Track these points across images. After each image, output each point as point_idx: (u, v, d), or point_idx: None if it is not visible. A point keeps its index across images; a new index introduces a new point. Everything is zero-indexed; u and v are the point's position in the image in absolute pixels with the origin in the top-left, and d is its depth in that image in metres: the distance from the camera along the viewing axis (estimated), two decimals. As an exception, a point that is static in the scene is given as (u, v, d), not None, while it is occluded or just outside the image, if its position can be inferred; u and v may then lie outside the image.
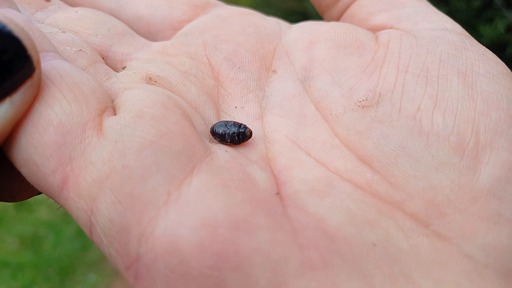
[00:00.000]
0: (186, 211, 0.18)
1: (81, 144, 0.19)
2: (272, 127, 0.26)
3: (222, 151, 0.23)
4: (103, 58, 0.29)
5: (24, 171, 0.20)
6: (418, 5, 0.30)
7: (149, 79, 0.26)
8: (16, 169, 0.21)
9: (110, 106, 0.22)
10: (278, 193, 0.21)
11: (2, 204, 1.84)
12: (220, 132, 0.24)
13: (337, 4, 0.33)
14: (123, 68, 0.28)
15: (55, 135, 0.19)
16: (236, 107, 0.27)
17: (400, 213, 0.21)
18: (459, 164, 0.21)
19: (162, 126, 0.21)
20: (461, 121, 0.22)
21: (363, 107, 0.25)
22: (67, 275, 1.60)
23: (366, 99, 0.25)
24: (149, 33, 0.32)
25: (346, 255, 0.18)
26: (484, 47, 0.26)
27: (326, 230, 0.19)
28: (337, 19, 0.34)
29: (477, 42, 0.26)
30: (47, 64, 0.21)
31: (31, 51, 0.19)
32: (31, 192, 0.25)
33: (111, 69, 0.27)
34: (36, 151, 0.19)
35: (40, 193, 0.23)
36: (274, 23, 0.33)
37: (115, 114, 0.21)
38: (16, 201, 0.26)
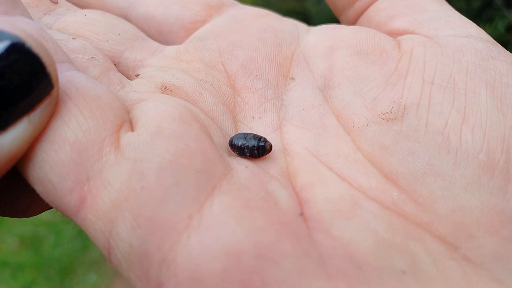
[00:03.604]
0: (208, 237, 0.18)
1: (99, 162, 0.19)
2: (291, 139, 0.25)
3: (242, 167, 0.22)
4: (114, 65, 0.28)
5: (39, 189, 0.20)
6: (439, 9, 0.29)
7: (165, 88, 0.26)
8: (28, 185, 0.20)
9: (127, 120, 0.21)
10: (301, 214, 0.20)
11: (1, 204, 1.83)
12: (239, 145, 0.24)
13: (354, 6, 0.32)
14: (137, 76, 0.28)
15: (71, 153, 0.19)
16: (253, 117, 0.27)
17: (428, 235, 0.20)
18: (489, 184, 0.20)
19: (181, 143, 0.20)
20: (491, 137, 0.21)
21: (387, 120, 0.24)
22: (67, 275, 1.59)
23: (391, 111, 0.24)
24: (160, 33, 0.32)
25: (376, 285, 0.17)
26: None
27: (354, 257, 0.18)
28: (354, 21, 0.33)
29: (504, 49, 0.25)
30: (62, 76, 0.20)
31: (49, 68, 0.19)
32: (43, 208, 0.25)
33: (124, 77, 0.27)
34: (52, 170, 0.19)
35: (51, 207, 0.22)
36: (291, 25, 0.32)
37: (132, 129, 0.21)
38: (25, 217, 0.25)
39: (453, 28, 0.27)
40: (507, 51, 0.25)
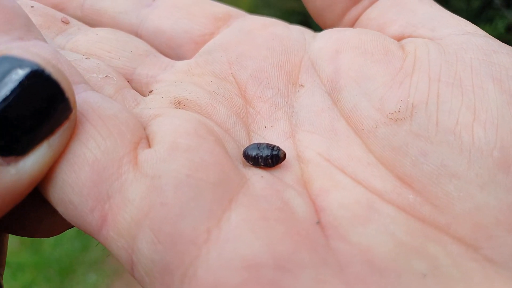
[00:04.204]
0: (227, 250, 0.18)
1: (118, 181, 0.19)
2: (304, 145, 0.25)
3: (258, 177, 0.22)
4: (128, 82, 0.28)
5: (60, 210, 0.20)
6: (430, 11, 0.29)
7: (178, 103, 0.26)
8: (49, 205, 0.20)
9: (144, 137, 0.21)
10: (318, 222, 0.20)
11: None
12: (253, 155, 0.24)
13: (342, 20, 0.32)
14: (150, 92, 0.28)
15: (91, 174, 0.19)
16: (265, 127, 0.27)
17: (447, 237, 0.20)
18: (505, 182, 0.20)
19: (196, 157, 0.20)
20: (504, 133, 0.21)
21: (396, 120, 0.23)
22: (67, 275, 1.59)
23: (399, 111, 0.23)
24: (171, 48, 0.32)
25: None
26: None
27: (373, 262, 0.18)
28: None
29: (503, 43, 0.25)
30: (79, 97, 0.21)
31: (68, 93, 0.19)
32: (65, 227, 0.25)
33: (139, 94, 0.27)
34: (72, 191, 0.19)
35: (73, 226, 0.22)
36: (298, 32, 0.32)
37: (149, 145, 0.21)
38: (47, 237, 0.25)
39: (449, 27, 0.27)
40: (506, 44, 0.25)
